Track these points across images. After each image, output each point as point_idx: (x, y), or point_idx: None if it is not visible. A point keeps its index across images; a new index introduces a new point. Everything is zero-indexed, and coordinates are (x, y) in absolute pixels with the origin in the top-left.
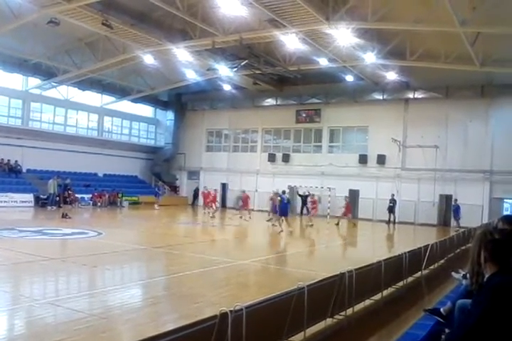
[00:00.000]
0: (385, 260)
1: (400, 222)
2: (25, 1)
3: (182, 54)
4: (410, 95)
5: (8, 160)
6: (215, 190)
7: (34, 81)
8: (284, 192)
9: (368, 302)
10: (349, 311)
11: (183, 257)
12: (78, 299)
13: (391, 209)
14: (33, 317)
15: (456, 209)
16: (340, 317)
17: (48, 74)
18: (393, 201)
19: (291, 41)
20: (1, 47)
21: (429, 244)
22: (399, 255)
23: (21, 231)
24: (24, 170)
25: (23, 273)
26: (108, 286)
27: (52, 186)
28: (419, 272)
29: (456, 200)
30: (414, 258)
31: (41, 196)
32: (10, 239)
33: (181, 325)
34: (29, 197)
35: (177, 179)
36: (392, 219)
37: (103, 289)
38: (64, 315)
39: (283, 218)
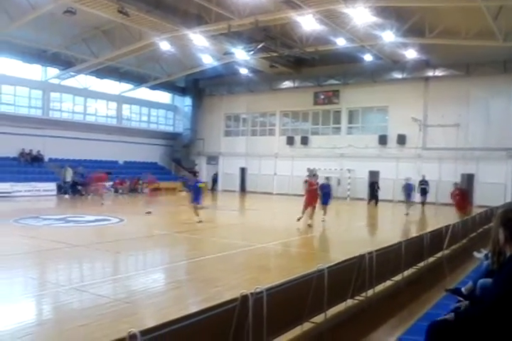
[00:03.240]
0: (405, 241)
1: (420, 202)
2: None
3: (198, 39)
4: (430, 73)
5: (31, 150)
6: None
7: (53, 71)
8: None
9: (388, 283)
10: (370, 292)
11: (203, 241)
12: (102, 284)
13: (424, 192)
14: (59, 303)
15: (408, 187)
16: (361, 299)
17: (66, 63)
18: (425, 182)
19: (307, 22)
20: (20, 38)
21: (450, 224)
22: (419, 235)
23: (45, 219)
24: (46, 160)
25: (49, 260)
26: (131, 271)
27: (66, 174)
28: (441, 252)
29: (408, 179)
30: (436, 239)
31: (63, 184)
32: (35, 227)
33: (203, 307)
34: (52, 185)
35: (196, 164)
36: (424, 201)
37: (126, 274)
38: (89, 300)
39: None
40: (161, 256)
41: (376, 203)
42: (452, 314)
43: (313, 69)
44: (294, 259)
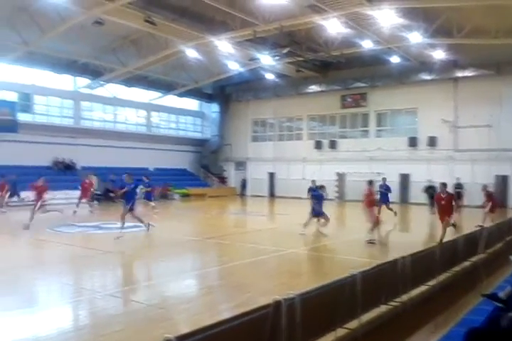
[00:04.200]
0: (439, 245)
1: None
2: (71, 4)
3: (224, 46)
4: (459, 74)
5: (64, 159)
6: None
7: (83, 81)
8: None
9: (423, 288)
10: (404, 297)
11: (234, 247)
12: (136, 290)
13: (459, 195)
14: (95, 309)
15: (386, 189)
16: (396, 304)
17: (95, 73)
18: (460, 186)
19: (332, 25)
20: (51, 50)
21: (484, 227)
22: (453, 239)
23: (79, 226)
24: (79, 168)
25: (84, 267)
26: (163, 277)
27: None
28: (476, 256)
29: (384, 179)
30: (471, 242)
31: (95, 192)
32: (69, 234)
33: (236, 314)
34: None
35: (225, 170)
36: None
37: (159, 280)
38: (123, 306)
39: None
40: (192, 262)
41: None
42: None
43: (340, 73)
44: (325, 264)
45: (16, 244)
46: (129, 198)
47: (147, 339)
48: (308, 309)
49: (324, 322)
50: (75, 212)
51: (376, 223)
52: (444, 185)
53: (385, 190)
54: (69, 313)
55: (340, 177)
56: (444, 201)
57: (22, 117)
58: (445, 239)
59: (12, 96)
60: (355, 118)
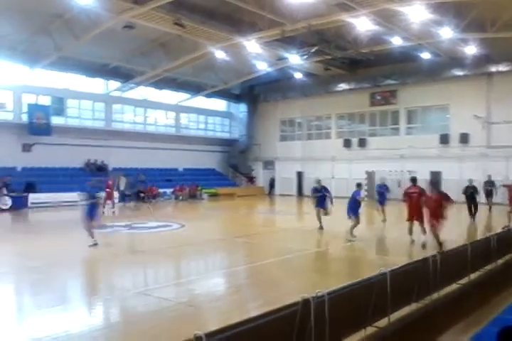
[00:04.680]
0: (471, 243)
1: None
2: (102, 9)
3: (252, 46)
4: (493, 69)
5: (96, 160)
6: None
7: (114, 84)
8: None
9: (454, 286)
10: (435, 296)
11: (262, 246)
12: (166, 288)
13: (490, 193)
14: (126, 306)
15: (383, 190)
16: (426, 302)
17: (126, 76)
18: (491, 183)
19: (361, 23)
20: (83, 54)
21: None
22: (486, 238)
23: (111, 226)
24: (110, 169)
25: (115, 266)
26: (192, 276)
27: (120, 183)
28: (510, 254)
29: (383, 179)
30: (504, 241)
31: (126, 193)
32: (101, 234)
33: (265, 311)
34: (115, 194)
35: (253, 170)
36: (491, 203)
37: (188, 278)
38: (154, 303)
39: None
40: (220, 261)
41: (475, 212)
42: None
43: (369, 70)
44: (355, 263)
45: (50, 244)
46: (92, 207)
47: (177, 336)
48: (337, 307)
49: (353, 320)
50: (113, 212)
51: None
52: (433, 183)
53: (385, 190)
54: (100, 311)
55: (370, 175)
56: (434, 199)
57: (55, 120)
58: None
59: (46, 101)
60: (385, 115)
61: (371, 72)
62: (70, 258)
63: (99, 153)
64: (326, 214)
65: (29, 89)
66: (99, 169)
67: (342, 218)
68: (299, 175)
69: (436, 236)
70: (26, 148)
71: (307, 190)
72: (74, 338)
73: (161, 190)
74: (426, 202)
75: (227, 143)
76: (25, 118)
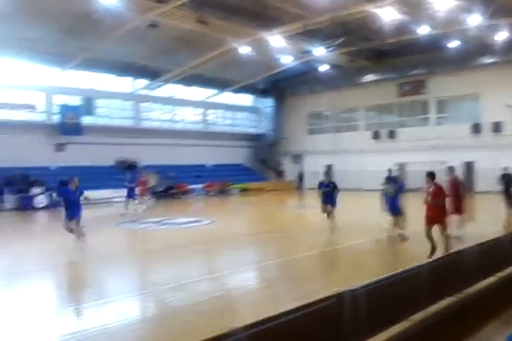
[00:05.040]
0: (508, 234)
1: None
2: (126, 9)
3: (276, 40)
4: None
5: (126, 158)
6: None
7: (141, 82)
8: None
9: (492, 279)
10: (471, 289)
11: (293, 240)
12: (200, 283)
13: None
14: (162, 300)
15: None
16: (462, 296)
17: (153, 74)
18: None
19: (386, 13)
20: (110, 54)
21: None
22: None
23: (143, 222)
24: (141, 166)
25: (149, 261)
26: (225, 270)
27: (151, 180)
28: None
29: (390, 170)
30: None
31: (157, 190)
32: (134, 230)
33: (298, 305)
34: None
35: (282, 164)
36: None
37: (221, 273)
38: (189, 298)
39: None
40: (252, 256)
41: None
42: None
43: (396, 61)
44: (390, 256)
45: (85, 240)
46: (73, 207)
47: (213, 329)
48: (372, 300)
49: (389, 313)
50: (142, 208)
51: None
52: (429, 174)
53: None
54: (137, 305)
55: (401, 167)
56: (432, 192)
57: (86, 120)
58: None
59: (76, 101)
60: (414, 106)
61: (398, 62)
62: (105, 254)
63: (130, 151)
64: (330, 212)
65: (60, 90)
66: (130, 167)
67: (374, 211)
68: (328, 168)
69: (446, 237)
70: (59, 147)
71: (337, 183)
72: (113, 332)
73: (191, 186)
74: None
75: (255, 138)
76: (56, 118)
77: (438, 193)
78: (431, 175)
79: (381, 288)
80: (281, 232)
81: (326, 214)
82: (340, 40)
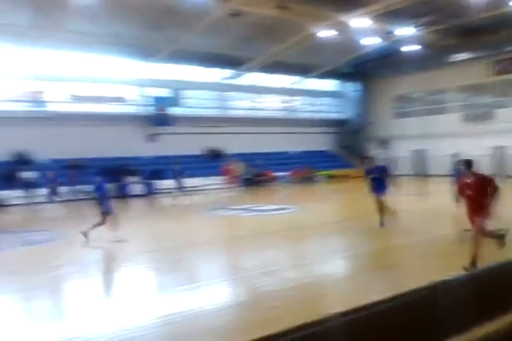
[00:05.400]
0: None
1: None
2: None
3: (358, 22)
4: None
5: (213, 147)
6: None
7: (226, 72)
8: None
9: None
10: None
11: (382, 229)
12: (289, 269)
13: None
14: (252, 286)
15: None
16: None
17: (236, 63)
18: None
19: None
20: (194, 45)
21: None
22: None
23: (232, 209)
24: (228, 155)
25: (238, 247)
26: (313, 258)
27: (238, 169)
28: None
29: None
30: None
31: (244, 177)
32: (223, 216)
33: (389, 296)
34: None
35: (367, 150)
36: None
37: (309, 260)
38: (278, 284)
39: None
40: (341, 243)
41: None
42: None
43: (488, 37)
44: (488, 247)
45: (177, 227)
46: (102, 199)
47: (303, 315)
48: (469, 293)
49: (489, 305)
50: (228, 196)
51: None
52: (467, 163)
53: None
54: (227, 290)
55: (498, 151)
56: (471, 189)
57: (174, 111)
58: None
59: (165, 93)
60: (511, 85)
61: (490, 39)
62: (195, 240)
63: (216, 140)
64: (382, 203)
65: (150, 83)
66: (217, 155)
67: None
68: (417, 153)
69: (475, 242)
70: (150, 138)
71: (426, 168)
72: (203, 316)
73: (276, 174)
74: (460, 190)
75: (339, 124)
76: (147, 110)
77: (479, 185)
78: (468, 164)
79: (478, 279)
80: (369, 220)
81: (377, 206)
82: (426, 19)
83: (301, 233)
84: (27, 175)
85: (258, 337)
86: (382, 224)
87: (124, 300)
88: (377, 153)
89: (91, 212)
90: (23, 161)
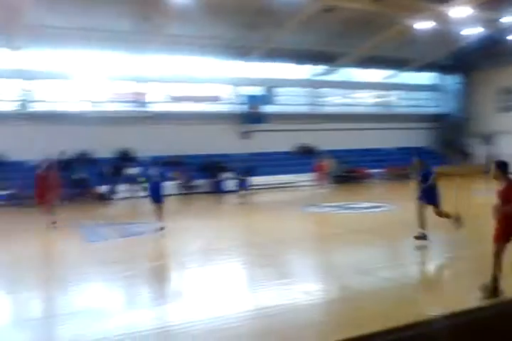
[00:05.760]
0: None
1: None
2: None
3: (457, 12)
4: None
5: (306, 144)
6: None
7: (318, 68)
8: None
9: None
10: None
11: (480, 230)
12: (386, 268)
13: None
14: (348, 284)
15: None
16: None
17: (329, 59)
18: None
19: None
20: (288, 43)
21: None
22: None
23: (325, 206)
24: (320, 151)
25: (333, 244)
26: (410, 258)
27: (330, 165)
28: None
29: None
30: None
31: (335, 174)
32: (317, 213)
33: (494, 302)
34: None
35: (468, 146)
36: None
37: (406, 261)
38: (375, 282)
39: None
40: (441, 244)
41: None
42: None
43: None
44: None
45: (271, 223)
46: (154, 190)
47: (401, 315)
48: None
49: None
50: (321, 193)
51: None
52: (499, 164)
53: None
54: (322, 286)
55: None
56: (502, 193)
57: (267, 109)
58: None
59: (258, 91)
60: None
61: None
62: (287, 236)
63: (308, 137)
64: (439, 213)
65: (243, 82)
66: (309, 152)
67: None
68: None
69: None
70: (244, 135)
71: None
72: (302, 309)
73: (371, 171)
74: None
75: (438, 119)
76: (241, 108)
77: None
78: (501, 166)
79: None
80: (470, 219)
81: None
82: None
83: (397, 232)
84: (131, 171)
85: (357, 334)
86: (422, 236)
87: (218, 292)
88: (480, 150)
89: (194, 206)
90: (127, 158)
